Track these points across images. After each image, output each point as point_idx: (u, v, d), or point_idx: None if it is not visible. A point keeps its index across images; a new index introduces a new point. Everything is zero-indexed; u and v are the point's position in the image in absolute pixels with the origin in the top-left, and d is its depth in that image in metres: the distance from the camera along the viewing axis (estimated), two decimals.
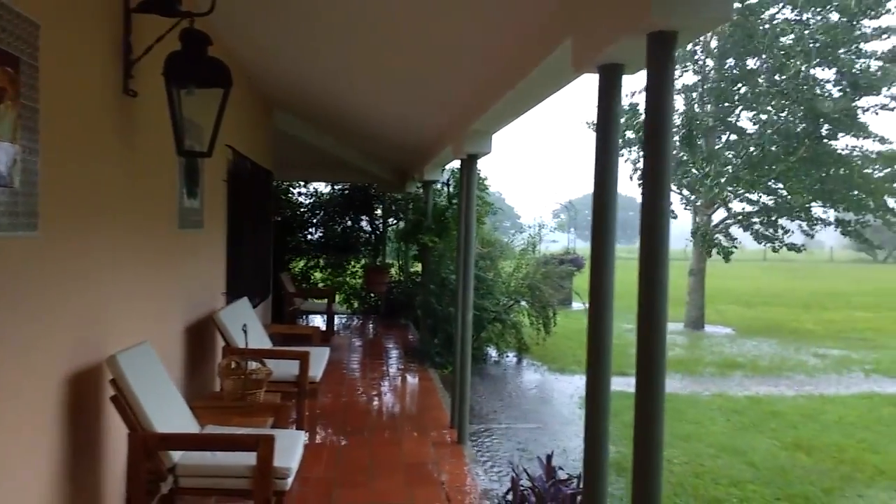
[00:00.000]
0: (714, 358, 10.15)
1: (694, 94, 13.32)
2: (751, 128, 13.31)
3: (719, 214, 13.92)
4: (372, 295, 12.36)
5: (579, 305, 13.16)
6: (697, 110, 13.32)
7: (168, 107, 3.09)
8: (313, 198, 12.86)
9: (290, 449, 3.23)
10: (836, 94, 12.43)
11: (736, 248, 13.65)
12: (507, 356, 9.41)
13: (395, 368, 8.24)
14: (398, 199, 12.24)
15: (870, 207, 12.94)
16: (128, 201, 3.29)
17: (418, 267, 10.45)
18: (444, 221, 8.83)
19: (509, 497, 4.01)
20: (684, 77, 13.57)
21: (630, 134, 13.49)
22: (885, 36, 12.28)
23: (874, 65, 12.34)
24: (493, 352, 9.35)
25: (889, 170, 13.04)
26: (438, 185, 9.87)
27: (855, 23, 11.98)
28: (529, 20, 3.01)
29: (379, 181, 11.90)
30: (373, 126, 7.85)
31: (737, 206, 13.75)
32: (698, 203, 13.40)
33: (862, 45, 12.34)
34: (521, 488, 4.01)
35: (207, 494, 3.55)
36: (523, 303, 9.35)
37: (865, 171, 12.93)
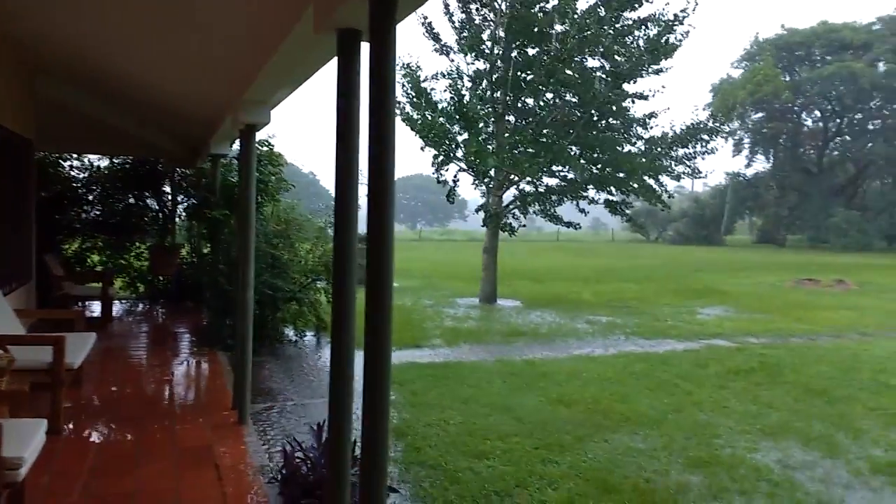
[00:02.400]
0: (501, 328, 10.89)
1: (484, 81, 13.98)
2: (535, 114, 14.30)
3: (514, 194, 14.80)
4: (160, 278, 11.54)
5: None
6: (488, 96, 14.03)
7: None
8: (88, 172, 11.64)
9: (25, 439, 2.97)
10: (604, 82, 13.69)
11: (524, 225, 14.66)
12: (306, 335, 9.31)
13: (181, 353, 7.82)
14: (189, 175, 11.51)
15: (634, 189, 14.50)
16: None
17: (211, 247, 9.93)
18: (234, 198, 8.45)
19: (284, 470, 4.02)
20: (476, 64, 14.20)
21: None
22: (644, 27, 13.69)
23: (635, 54, 13.75)
24: (290, 332, 9.20)
25: (651, 153, 14.57)
26: (227, 160, 9.44)
27: (616, 16, 13.26)
28: None
29: (167, 155, 11.10)
30: (153, 95, 7.28)
31: (526, 186, 14.71)
32: (490, 185, 14.15)
33: (626, 37, 13.71)
34: (297, 459, 4.03)
35: None
36: (320, 282, 9.28)
37: (630, 154, 14.38)
